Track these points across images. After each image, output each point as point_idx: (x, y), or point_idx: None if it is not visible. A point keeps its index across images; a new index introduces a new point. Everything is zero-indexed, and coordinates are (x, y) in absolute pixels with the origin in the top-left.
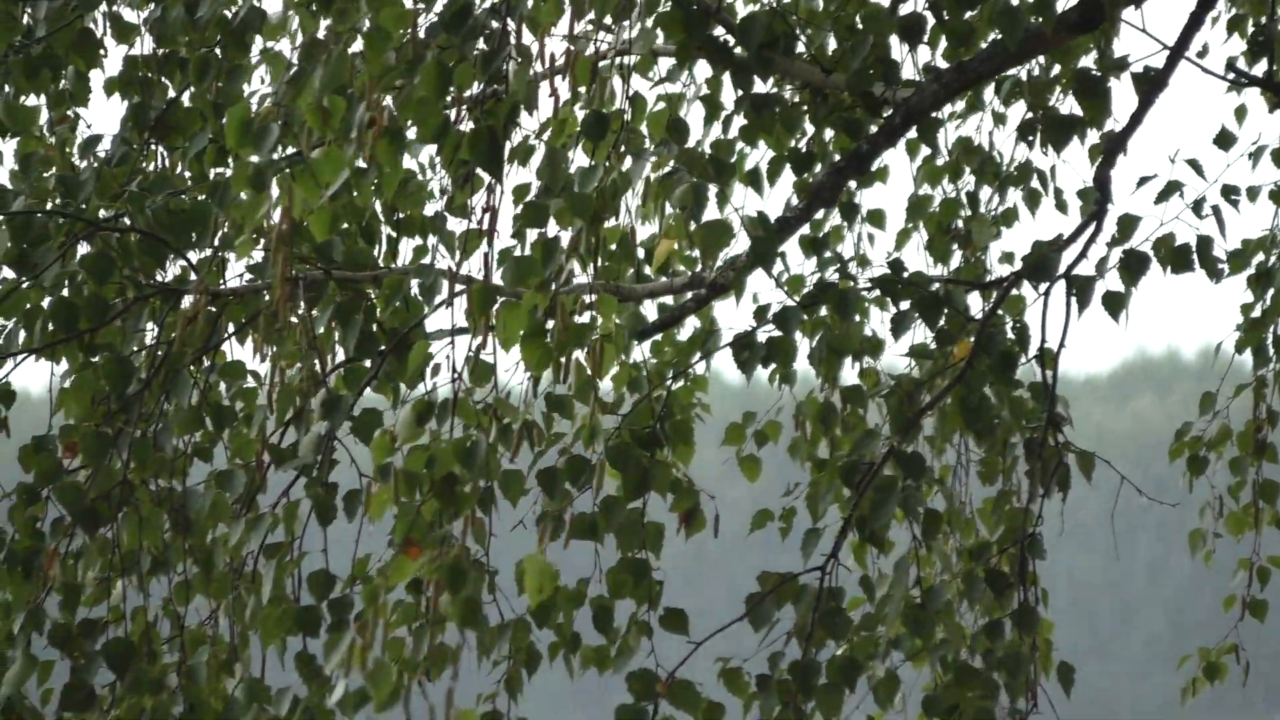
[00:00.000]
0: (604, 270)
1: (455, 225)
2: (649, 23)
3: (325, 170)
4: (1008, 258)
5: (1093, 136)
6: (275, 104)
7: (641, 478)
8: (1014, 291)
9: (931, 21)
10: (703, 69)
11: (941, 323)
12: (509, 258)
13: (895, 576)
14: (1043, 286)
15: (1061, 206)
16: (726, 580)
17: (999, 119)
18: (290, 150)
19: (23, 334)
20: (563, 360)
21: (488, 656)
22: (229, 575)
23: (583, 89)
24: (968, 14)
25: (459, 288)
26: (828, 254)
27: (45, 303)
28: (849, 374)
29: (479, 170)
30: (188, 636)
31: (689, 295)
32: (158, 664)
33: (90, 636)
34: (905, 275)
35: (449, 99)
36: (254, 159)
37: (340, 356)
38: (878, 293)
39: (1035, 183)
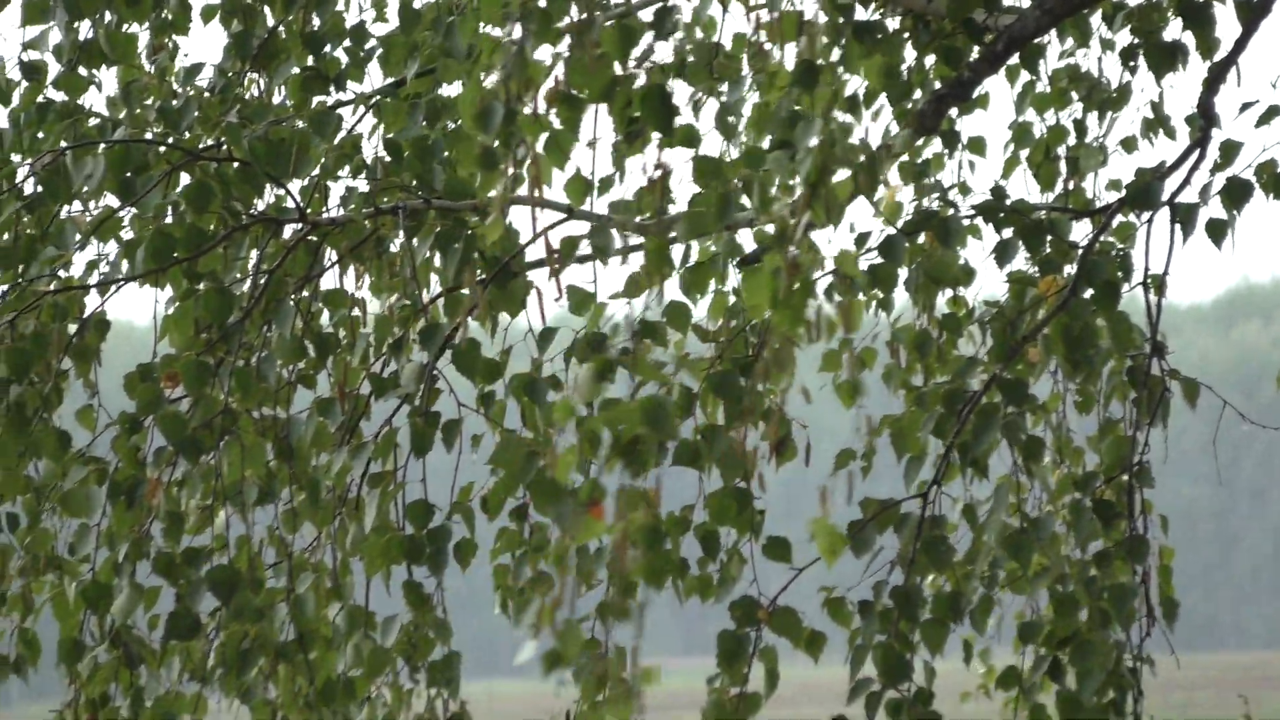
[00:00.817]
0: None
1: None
2: None
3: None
4: (1114, 185)
5: (1197, 63)
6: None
7: (742, 406)
8: (1119, 219)
9: None
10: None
11: (1045, 250)
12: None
13: (995, 502)
14: (1146, 214)
15: (1169, 133)
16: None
17: (1107, 45)
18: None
19: (125, 264)
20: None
21: (589, 586)
22: (332, 503)
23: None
24: None
25: (556, 230)
26: (928, 181)
27: (146, 232)
28: (942, 303)
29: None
30: (293, 563)
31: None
32: (263, 592)
33: (194, 564)
34: (1008, 203)
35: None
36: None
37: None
38: (978, 221)
39: (1141, 109)
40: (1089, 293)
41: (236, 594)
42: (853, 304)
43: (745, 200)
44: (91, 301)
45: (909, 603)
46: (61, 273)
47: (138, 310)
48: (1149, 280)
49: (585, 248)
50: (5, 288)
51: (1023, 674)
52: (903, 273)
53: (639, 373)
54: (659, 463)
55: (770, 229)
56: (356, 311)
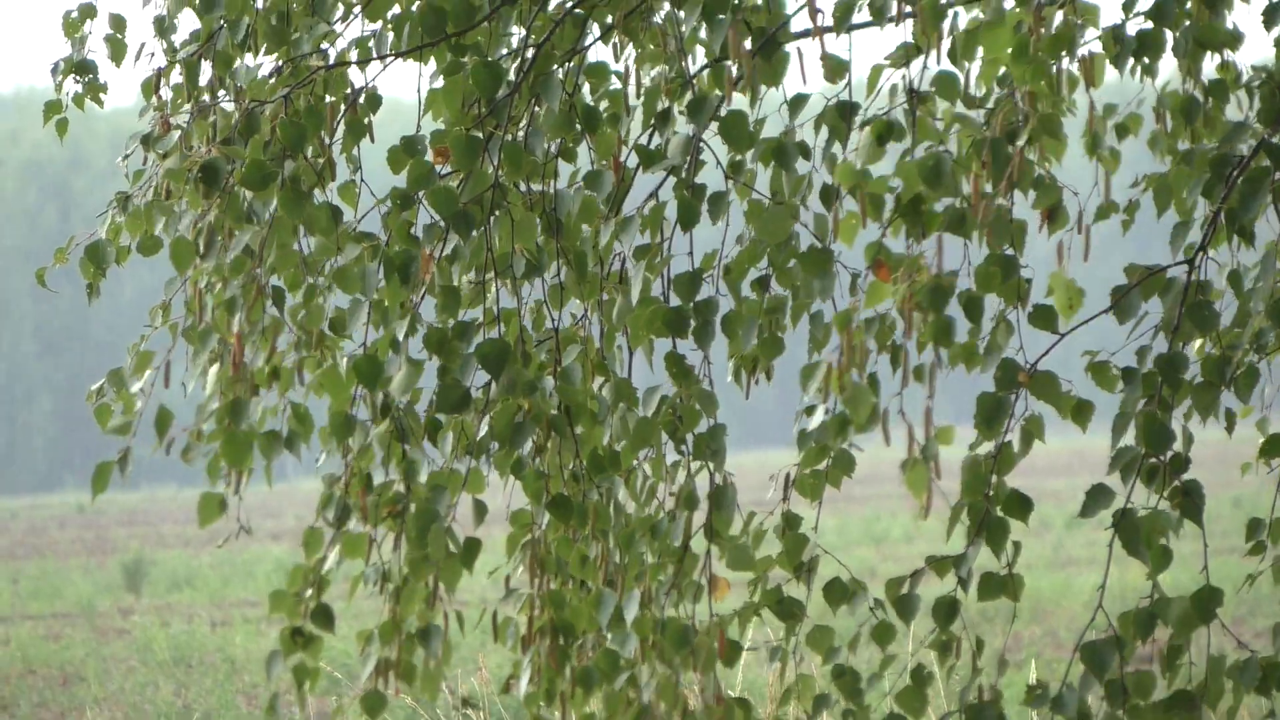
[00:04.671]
0: None
1: None
2: None
3: None
4: None
5: None
6: None
7: (1002, 172)
8: None
9: None
10: None
11: None
12: None
13: (1262, 268)
14: None
15: None
16: (1094, 275)
17: None
18: None
19: (390, 37)
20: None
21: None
22: (598, 277)
23: None
24: None
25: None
26: None
27: (414, 6)
28: (1208, 68)
29: None
30: (560, 337)
31: None
32: (532, 365)
33: (465, 339)
34: None
35: None
36: None
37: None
38: None
39: None
40: None
41: (507, 367)
42: (1095, 59)
43: None
44: (359, 78)
45: (1173, 368)
46: (331, 50)
47: (402, 86)
48: None
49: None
50: (275, 63)
51: None
52: (1168, 37)
53: (920, 135)
54: (942, 225)
55: None
56: (617, 84)
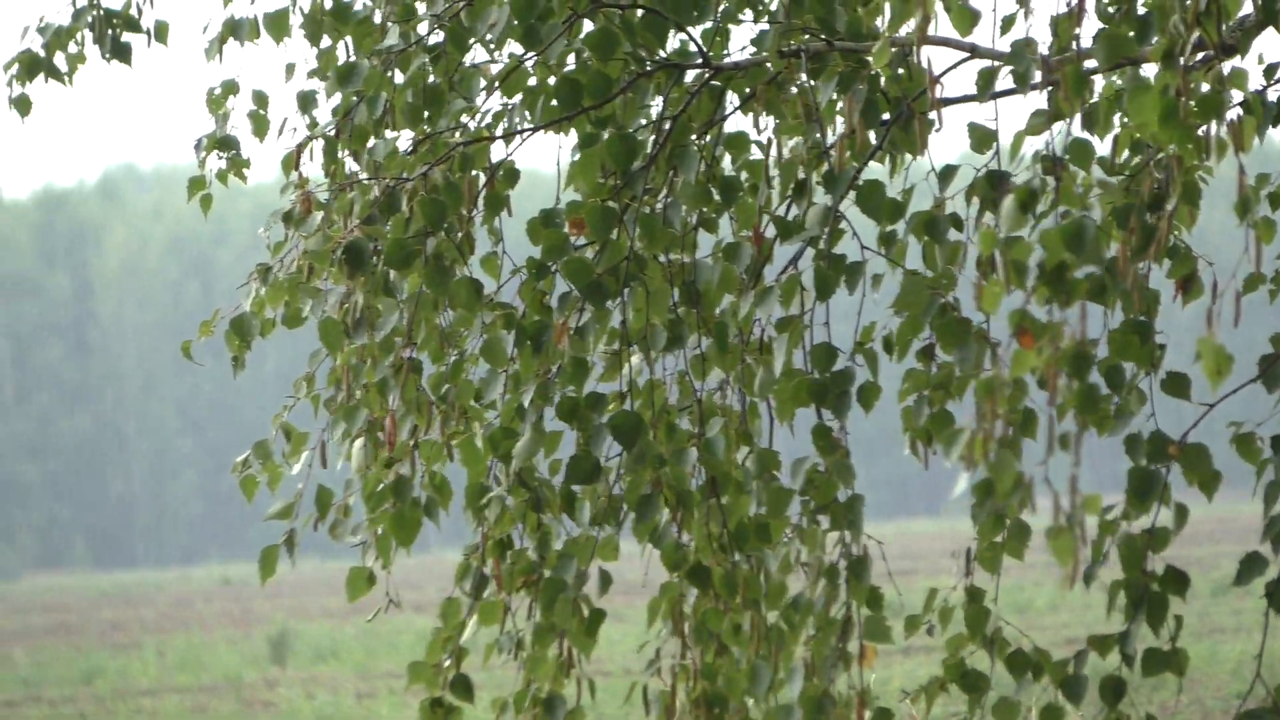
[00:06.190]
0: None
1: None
2: None
3: None
4: None
5: None
6: None
7: (1146, 239)
8: None
9: None
10: None
11: None
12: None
13: None
14: None
15: None
16: (1233, 342)
17: None
18: None
19: (526, 112)
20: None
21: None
22: (739, 347)
23: None
24: None
25: (983, 63)
26: None
27: (550, 80)
28: None
29: None
30: (703, 408)
31: (1199, 56)
32: (676, 435)
33: (597, 409)
34: None
35: None
36: None
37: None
38: None
39: None
40: None
41: (639, 439)
42: (1245, 122)
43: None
44: (497, 151)
45: None
46: (468, 123)
47: (541, 158)
48: None
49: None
50: (411, 140)
51: None
52: None
53: (1063, 201)
54: (1085, 293)
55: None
56: (758, 154)
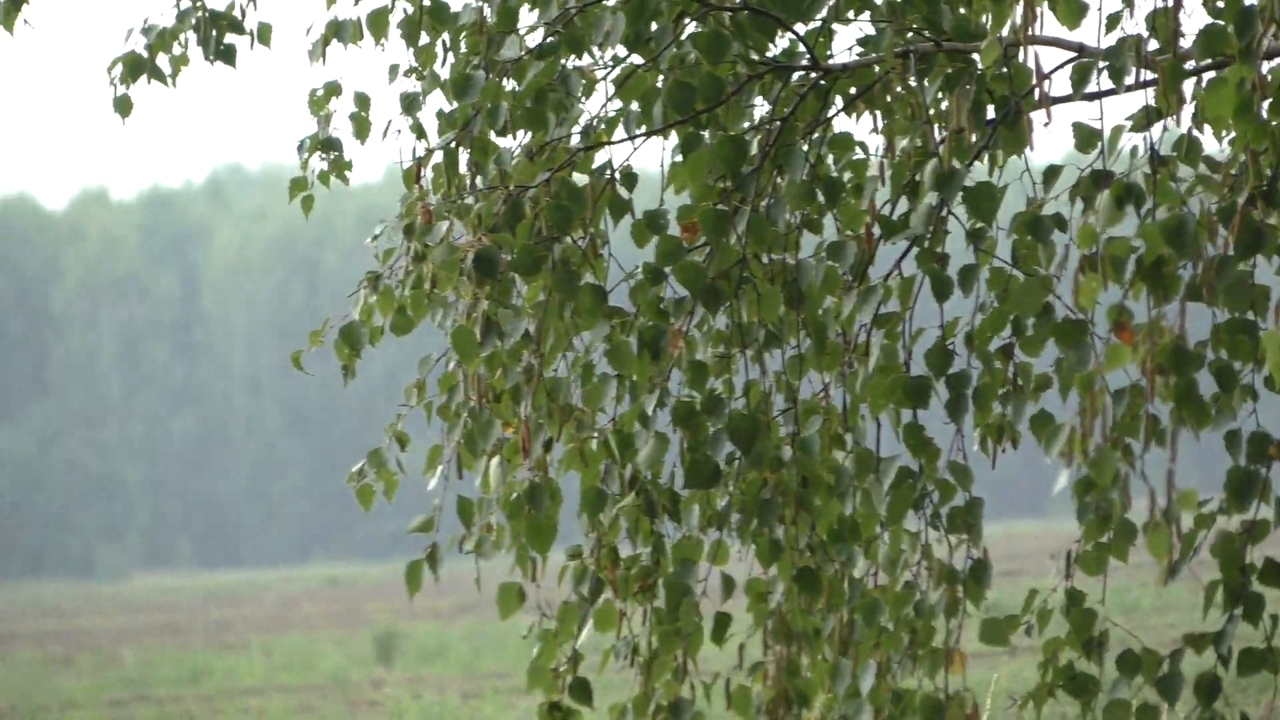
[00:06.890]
0: None
1: None
2: None
3: None
4: None
5: None
6: None
7: (1254, 237)
8: None
9: None
10: None
11: None
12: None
13: None
14: None
15: None
16: None
17: None
18: None
19: (635, 112)
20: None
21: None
22: (840, 347)
23: None
24: None
25: (1068, 56)
26: None
27: (660, 82)
28: None
29: None
30: (801, 409)
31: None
32: (774, 436)
33: (713, 413)
34: None
35: None
36: None
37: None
38: None
39: None
40: None
41: (756, 442)
42: None
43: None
44: (600, 156)
45: None
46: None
47: (639, 159)
48: None
49: (1093, 83)
50: (531, 146)
51: None
52: None
53: (1160, 198)
54: (1182, 290)
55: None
56: (860, 155)
